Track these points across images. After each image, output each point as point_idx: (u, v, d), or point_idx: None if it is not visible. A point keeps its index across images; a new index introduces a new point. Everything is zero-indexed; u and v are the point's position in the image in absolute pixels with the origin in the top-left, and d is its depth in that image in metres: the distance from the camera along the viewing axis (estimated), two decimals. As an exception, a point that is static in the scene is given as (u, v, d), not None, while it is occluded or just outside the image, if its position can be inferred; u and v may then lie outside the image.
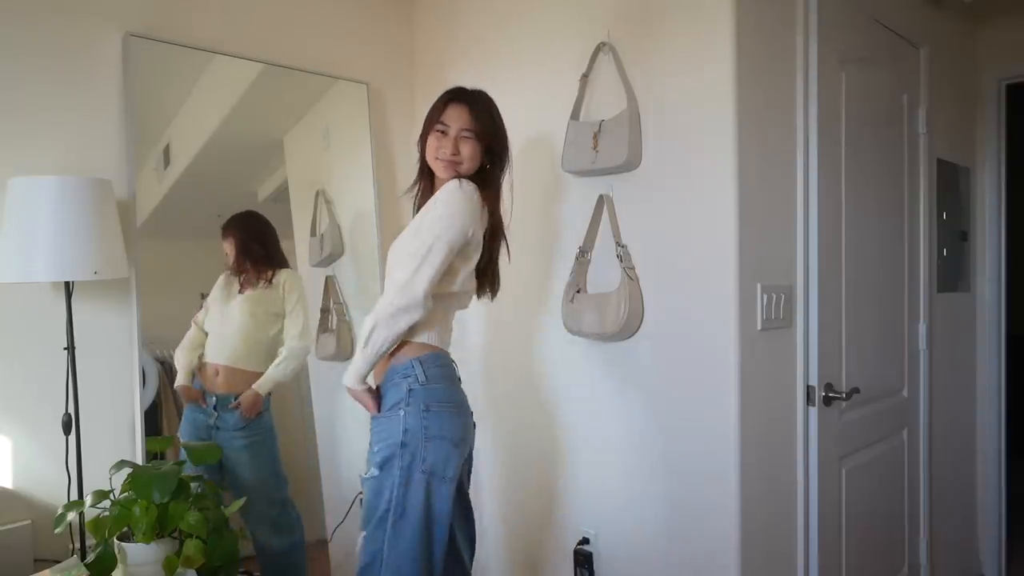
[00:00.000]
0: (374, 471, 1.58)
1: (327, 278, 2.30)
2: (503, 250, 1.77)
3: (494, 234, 1.71)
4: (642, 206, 1.90)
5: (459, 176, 1.65)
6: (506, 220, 1.75)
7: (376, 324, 1.54)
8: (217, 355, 2.06)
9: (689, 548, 1.82)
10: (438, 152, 1.66)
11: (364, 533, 1.60)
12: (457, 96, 1.69)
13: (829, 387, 1.96)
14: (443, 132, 1.66)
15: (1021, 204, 3.17)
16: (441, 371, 1.63)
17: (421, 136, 1.72)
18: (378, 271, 2.34)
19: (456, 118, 1.66)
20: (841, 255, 2.03)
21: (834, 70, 1.97)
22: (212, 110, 2.08)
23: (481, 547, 1.88)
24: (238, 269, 2.10)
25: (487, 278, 1.76)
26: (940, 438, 2.59)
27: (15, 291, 1.73)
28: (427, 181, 1.76)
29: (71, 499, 1.68)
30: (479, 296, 1.78)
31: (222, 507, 1.66)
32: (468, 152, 1.66)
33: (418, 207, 1.75)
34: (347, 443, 2.28)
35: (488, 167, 1.71)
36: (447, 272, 1.59)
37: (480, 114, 1.68)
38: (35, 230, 1.58)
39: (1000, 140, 2.88)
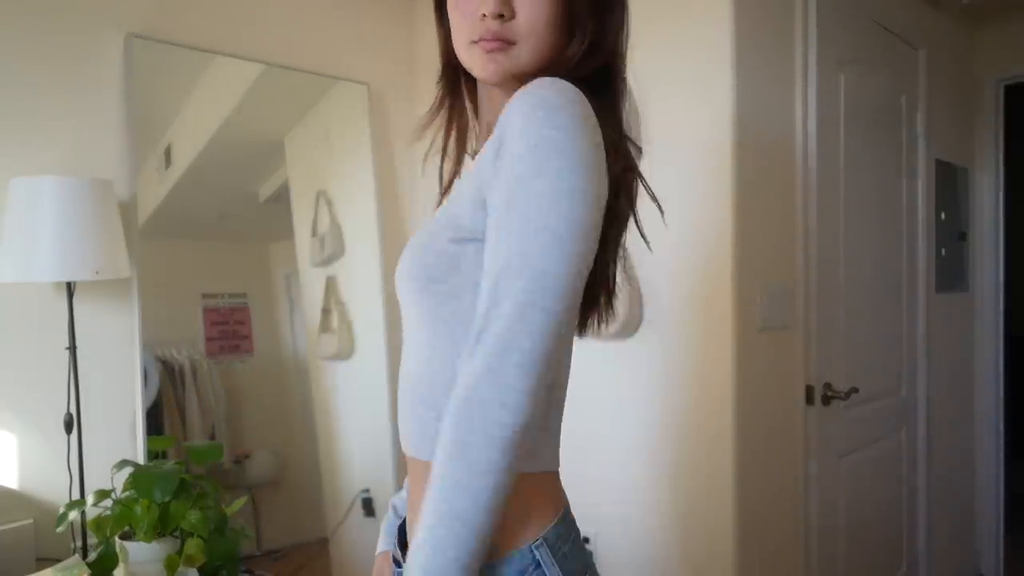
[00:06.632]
0: None
1: (327, 278, 2.30)
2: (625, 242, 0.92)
3: (616, 208, 0.85)
4: (641, 206, 1.89)
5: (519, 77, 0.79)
6: None
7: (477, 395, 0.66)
8: None
9: (688, 547, 1.82)
10: (472, 27, 0.80)
11: None
12: None
13: (828, 387, 1.96)
14: None
15: (1020, 204, 3.18)
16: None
17: (438, 27, 0.95)
18: (378, 271, 2.34)
19: None
20: (840, 255, 2.04)
21: (833, 71, 1.98)
22: (213, 111, 2.08)
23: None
24: None
25: (599, 294, 0.91)
26: (939, 438, 2.60)
27: (16, 291, 1.74)
28: (458, 106, 0.97)
29: (73, 498, 1.68)
30: (581, 330, 0.96)
31: (223, 506, 1.66)
32: (531, 10, 0.79)
33: (452, 166, 0.97)
34: (347, 443, 2.28)
35: (583, 59, 0.83)
36: None
37: None
38: (37, 230, 1.59)
39: (998, 141, 2.89)
